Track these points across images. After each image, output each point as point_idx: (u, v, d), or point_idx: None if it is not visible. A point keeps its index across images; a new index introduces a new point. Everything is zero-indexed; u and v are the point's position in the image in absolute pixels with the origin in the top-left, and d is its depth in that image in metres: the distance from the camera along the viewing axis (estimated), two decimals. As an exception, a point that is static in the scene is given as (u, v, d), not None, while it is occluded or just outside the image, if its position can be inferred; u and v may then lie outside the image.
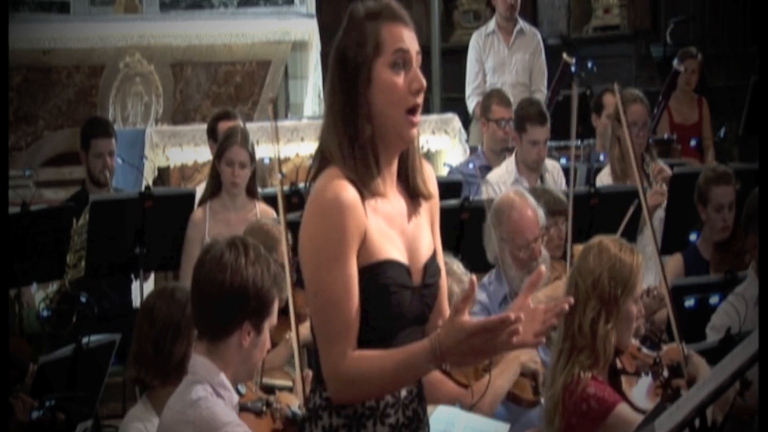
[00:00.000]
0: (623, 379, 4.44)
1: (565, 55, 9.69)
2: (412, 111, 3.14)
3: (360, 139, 3.12)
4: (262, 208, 6.79)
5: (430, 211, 3.30)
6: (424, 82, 3.16)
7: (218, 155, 6.82)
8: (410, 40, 3.16)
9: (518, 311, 2.99)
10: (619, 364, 4.43)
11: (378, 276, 3.12)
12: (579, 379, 4.30)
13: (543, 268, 3.13)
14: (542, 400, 5.13)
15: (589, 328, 4.32)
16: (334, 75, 3.18)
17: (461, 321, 2.99)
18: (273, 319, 3.67)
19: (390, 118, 3.13)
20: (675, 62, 9.67)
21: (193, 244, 6.76)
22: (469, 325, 2.98)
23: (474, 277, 3.09)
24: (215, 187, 6.84)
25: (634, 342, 4.57)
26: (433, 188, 3.29)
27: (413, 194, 3.25)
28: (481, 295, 5.57)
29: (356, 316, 3.09)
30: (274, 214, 6.45)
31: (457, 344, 3.00)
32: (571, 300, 3.08)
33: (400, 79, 3.13)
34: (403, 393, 3.20)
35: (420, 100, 3.17)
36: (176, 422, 3.62)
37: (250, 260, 3.62)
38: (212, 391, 3.62)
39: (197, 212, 6.86)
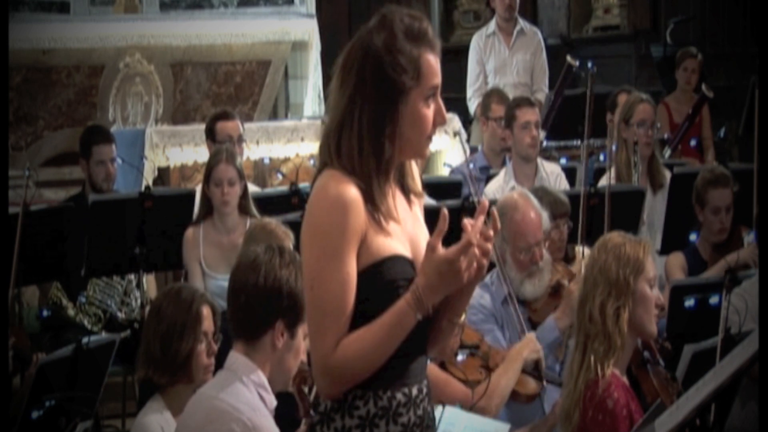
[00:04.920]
0: (651, 373, 4.43)
1: (569, 58, 9.68)
2: (430, 137, 3.23)
3: (383, 157, 3.17)
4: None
5: (420, 208, 3.35)
6: (447, 118, 3.26)
7: (206, 178, 6.79)
8: (439, 72, 3.24)
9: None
10: (647, 355, 4.42)
11: (384, 273, 3.15)
12: (599, 377, 4.27)
13: (486, 200, 3.19)
14: (545, 384, 5.16)
15: (599, 314, 4.31)
16: (364, 84, 3.16)
17: (439, 254, 3.07)
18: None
19: (411, 141, 3.19)
20: (704, 89, 9.57)
21: (191, 261, 6.76)
22: (450, 252, 3.07)
23: (446, 210, 3.11)
24: (207, 210, 6.82)
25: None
26: (420, 185, 3.35)
27: (406, 192, 3.30)
28: (484, 298, 5.55)
29: (349, 312, 3.12)
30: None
31: (441, 277, 3.07)
32: (485, 201, 3.15)
33: (430, 112, 3.20)
34: (414, 392, 3.22)
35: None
36: (220, 410, 3.65)
37: (284, 262, 3.69)
38: (258, 395, 3.67)
39: (189, 233, 6.81)
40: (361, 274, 3.13)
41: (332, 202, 3.11)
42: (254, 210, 6.81)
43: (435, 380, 4.82)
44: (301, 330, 3.70)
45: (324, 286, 3.11)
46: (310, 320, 3.17)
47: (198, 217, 6.87)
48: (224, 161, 6.74)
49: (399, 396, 3.19)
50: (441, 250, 3.08)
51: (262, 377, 3.70)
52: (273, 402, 3.74)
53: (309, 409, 3.82)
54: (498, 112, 8.45)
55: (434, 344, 3.30)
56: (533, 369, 5.11)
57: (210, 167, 6.77)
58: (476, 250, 3.07)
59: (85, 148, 7.48)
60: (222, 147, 7.05)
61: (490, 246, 3.09)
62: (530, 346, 5.14)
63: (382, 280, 3.14)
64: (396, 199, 3.25)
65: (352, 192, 3.12)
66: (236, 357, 3.73)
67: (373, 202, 3.15)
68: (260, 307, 3.69)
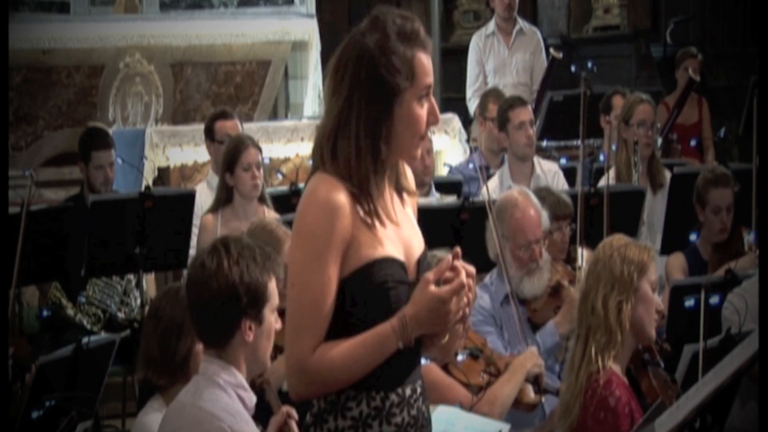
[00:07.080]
0: (651, 374, 4.43)
1: (552, 51, 9.71)
2: (422, 137, 3.23)
3: (379, 158, 3.17)
4: (270, 216, 6.76)
5: (412, 207, 3.35)
6: (440, 117, 3.27)
7: (230, 165, 6.80)
8: (432, 72, 3.23)
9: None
10: (647, 356, 4.42)
11: (375, 274, 3.15)
12: (599, 369, 4.27)
13: (457, 249, 3.18)
14: (543, 400, 5.17)
15: (601, 306, 4.33)
16: (359, 86, 3.16)
17: (434, 291, 3.11)
18: (273, 301, 3.63)
19: (404, 142, 3.19)
20: (690, 72, 9.59)
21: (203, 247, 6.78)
22: (443, 291, 3.11)
23: (449, 256, 3.13)
24: (226, 197, 6.84)
25: None
26: (413, 183, 3.35)
27: (398, 191, 3.30)
28: (483, 299, 5.55)
29: (327, 316, 3.13)
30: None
31: (430, 313, 3.12)
32: (458, 249, 3.18)
33: (424, 112, 3.20)
34: (408, 392, 3.22)
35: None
36: (199, 420, 3.61)
37: (232, 259, 3.59)
38: (237, 396, 3.63)
39: (208, 218, 6.85)
40: (352, 277, 3.14)
41: (320, 206, 3.13)
42: (269, 200, 6.87)
43: (437, 383, 4.84)
44: (268, 310, 3.61)
45: (305, 285, 3.13)
46: (288, 319, 3.17)
47: (216, 204, 6.88)
48: (251, 146, 6.80)
49: (392, 396, 3.19)
50: (434, 287, 3.11)
51: (238, 376, 3.64)
52: (253, 399, 3.68)
53: (278, 402, 3.80)
54: (495, 112, 8.45)
55: (425, 353, 3.31)
56: (533, 383, 5.12)
57: (236, 153, 6.79)
58: (465, 298, 3.12)
59: (84, 152, 7.47)
60: (243, 134, 7.09)
61: (471, 295, 3.15)
62: (533, 359, 5.15)
63: (373, 282, 3.15)
64: (393, 201, 3.25)
65: (341, 197, 3.13)
66: (209, 361, 3.66)
67: (369, 204, 3.16)
68: (221, 315, 3.60)
